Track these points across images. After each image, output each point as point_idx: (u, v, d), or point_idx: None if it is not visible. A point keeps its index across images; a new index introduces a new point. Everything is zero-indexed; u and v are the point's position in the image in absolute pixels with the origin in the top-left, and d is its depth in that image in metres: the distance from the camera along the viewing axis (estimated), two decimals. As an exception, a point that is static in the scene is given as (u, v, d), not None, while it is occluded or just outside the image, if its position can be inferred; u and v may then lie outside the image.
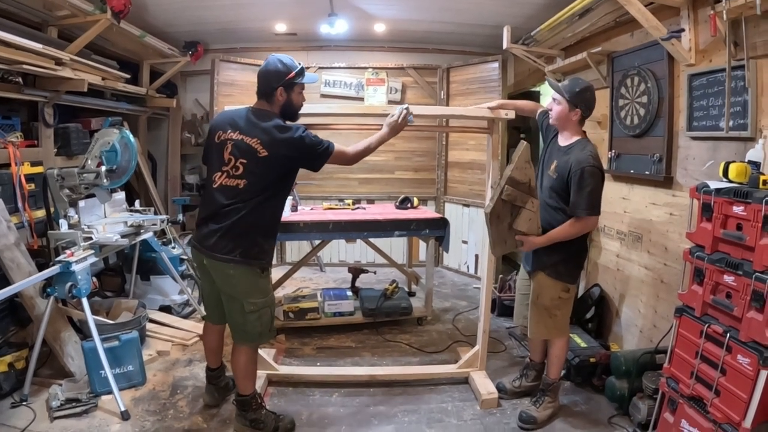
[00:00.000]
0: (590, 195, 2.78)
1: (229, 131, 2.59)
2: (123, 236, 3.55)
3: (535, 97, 6.64)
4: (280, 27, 5.66)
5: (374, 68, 6.13)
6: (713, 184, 2.51)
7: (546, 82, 3.09)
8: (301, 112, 2.77)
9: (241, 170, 2.55)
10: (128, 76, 4.84)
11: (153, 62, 5.65)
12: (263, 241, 2.67)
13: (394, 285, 4.58)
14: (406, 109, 2.91)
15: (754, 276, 2.17)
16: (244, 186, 2.55)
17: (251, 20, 5.33)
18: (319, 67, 6.35)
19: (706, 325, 2.44)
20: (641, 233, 3.74)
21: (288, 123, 2.59)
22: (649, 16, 3.11)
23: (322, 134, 2.76)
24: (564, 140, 3.01)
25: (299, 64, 2.65)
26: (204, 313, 3.11)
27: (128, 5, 4.03)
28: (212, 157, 2.68)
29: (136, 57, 5.50)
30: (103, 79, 4.44)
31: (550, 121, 3.03)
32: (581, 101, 2.93)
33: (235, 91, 5.98)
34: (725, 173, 2.50)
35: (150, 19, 4.95)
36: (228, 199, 2.56)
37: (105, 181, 3.43)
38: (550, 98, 3.05)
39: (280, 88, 2.58)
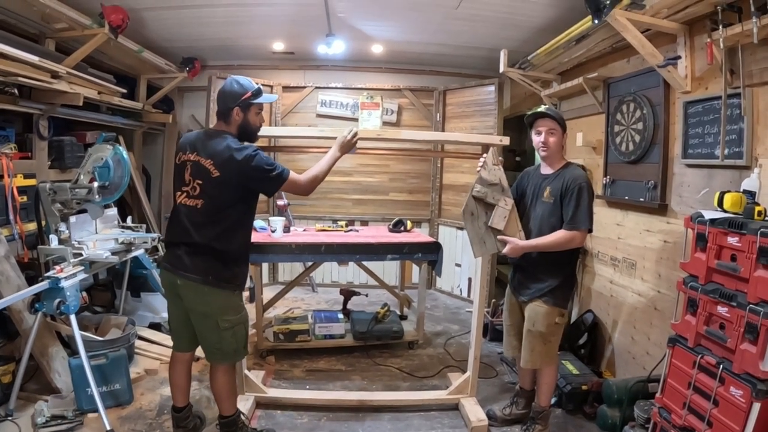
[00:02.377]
0: (589, 209, 2.81)
1: (188, 152, 2.59)
2: (113, 253, 3.52)
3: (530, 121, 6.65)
4: (278, 45, 5.67)
5: (369, 90, 6.13)
6: (708, 214, 2.51)
7: (540, 111, 3.05)
8: (260, 133, 2.78)
9: (198, 191, 2.54)
10: (124, 91, 4.83)
11: (150, 77, 5.66)
12: (234, 266, 2.66)
13: (386, 308, 4.53)
14: (354, 130, 2.98)
15: (748, 308, 2.15)
16: (201, 206, 2.54)
17: (249, 38, 5.34)
18: (316, 87, 6.36)
19: (700, 356, 2.42)
20: (635, 260, 3.72)
21: (242, 143, 2.57)
22: (646, 43, 3.12)
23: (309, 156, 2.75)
24: (549, 169, 3.04)
25: (257, 84, 2.65)
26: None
27: (126, 20, 4.03)
28: (175, 178, 2.67)
29: (134, 71, 5.50)
30: (99, 93, 4.43)
31: (546, 153, 2.99)
32: (564, 125, 3.01)
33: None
34: (720, 203, 2.50)
35: (148, 34, 4.94)
36: (191, 219, 2.56)
37: (97, 197, 3.41)
38: (536, 134, 3.01)
39: (236, 108, 2.59)
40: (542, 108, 3.03)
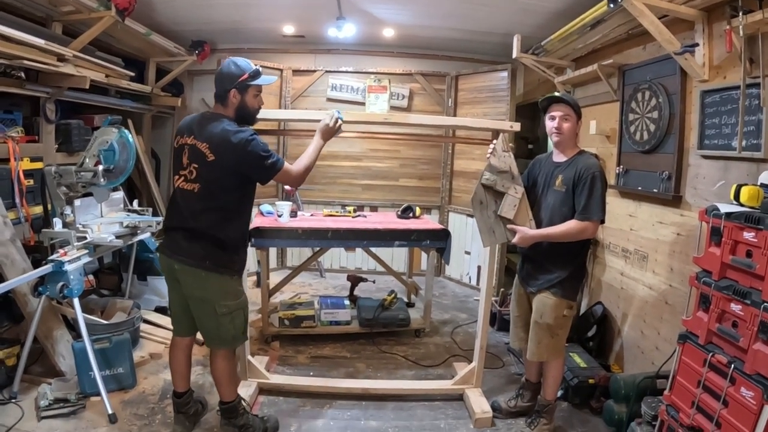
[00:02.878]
0: (602, 199, 2.74)
1: (185, 135, 2.56)
2: (118, 237, 3.51)
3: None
4: (288, 29, 5.60)
5: (376, 74, 6.05)
6: (724, 208, 2.42)
7: (555, 96, 2.96)
8: (259, 116, 2.73)
9: (195, 174, 2.50)
10: (132, 74, 4.79)
11: (159, 60, 5.60)
12: (233, 253, 2.64)
13: (393, 295, 4.50)
14: (338, 112, 2.89)
15: (762, 306, 2.08)
16: (198, 191, 2.50)
17: (259, 21, 5.27)
18: (326, 71, 6.30)
19: (710, 354, 2.35)
20: (647, 252, 3.65)
21: (239, 127, 2.52)
22: (663, 30, 3.02)
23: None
24: (562, 156, 2.96)
25: (255, 66, 2.59)
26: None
27: (133, 3, 3.98)
28: (174, 161, 2.66)
29: (142, 55, 5.45)
30: (107, 76, 4.39)
31: (558, 139, 2.91)
32: (580, 112, 2.94)
33: (243, 92, 5.91)
34: (737, 196, 2.41)
35: (157, 17, 4.89)
36: (188, 204, 2.53)
37: (102, 180, 3.38)
38: (550, 119, 2.93)
39: (233, 90, 2.54)
40: (558, 93, 2.95)
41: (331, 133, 2.86)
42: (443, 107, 6.33)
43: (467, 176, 6.21)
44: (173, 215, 2.62)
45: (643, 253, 3.70)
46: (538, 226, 2.90)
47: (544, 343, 2.91)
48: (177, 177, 2.58)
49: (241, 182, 2.56)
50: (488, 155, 2.96)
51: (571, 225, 2.77)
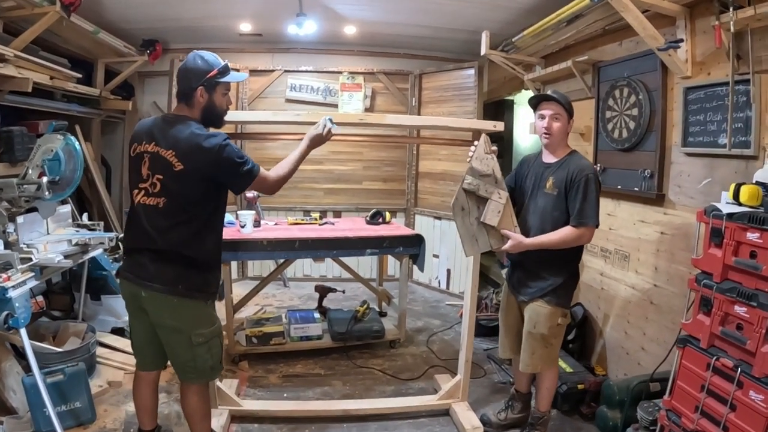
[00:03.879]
0: (596, 203, 2.62)
1: (144, 142, 2.26)
2: (67, 256, 3.16)
3: (509, 106, 6.48)
4: (245, 26, 5.34)
5: (351, 72, 5.83)
6: (725, 208, 2.35)
7: (545, 94, 2.79)
8: (227, 118, 2.46)
9: (159, 187, 2.21)
10: (80, 75, 4.44)
11: (108, 61, 5.26)
12: (207, 273, 2.35)
13: (365, 306, 4.31)
14: (330, 120, 2.63)
15: (771, 308, 2.00)
16: (163, 206, 2.22)
17: (214, 18, 5.00)
18: (285, 71, 6.06)
19: (714, 358, 2.28)
20: (628, 252, 3.60)
21: (208, 130, 2.27)
22: (647, 25, 2.94)
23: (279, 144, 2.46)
24: (552, 157, 2.81)
25: (224, 61, 2.33)
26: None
27: None
28: (131, 173, 2.34)
29: (90, 55, 5.10)
30: (52, 78, 4.05)
31: (548, 141, 2.76)
32: (572, 110, 2.78)
33: (196, 93, 5.59)
34: (736, 195, 2.34)
35: (106, 14, 4.58)
36: (152, 221, 2.23)
37: (47, 193, 3.04)
38: (539, 118, 2.78)
39: (200, 88, 2.25)
40: (549, 91, 2.80)
41: (321, 141, 2.61)
42: (407, 107, 6.18)
43: (433, 177, 6.08)
44: (135, 235, 2.29)
45: (624, 253, 3.64)
46: (527, 231, 2.75)
47: (538, 353, 2.76)
48: (136, 191, 2.27)
49: (212, 193, 2.28)
50: (469, 158, 2.78)
51: (567, 232, 2.63)
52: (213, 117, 2.36)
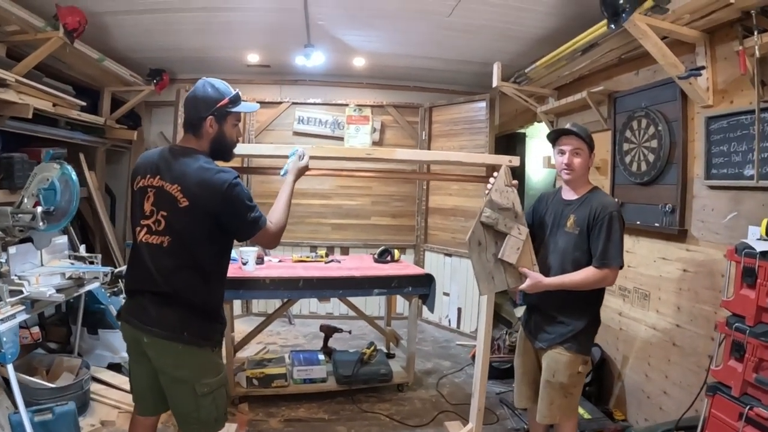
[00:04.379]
0: (620, 243, 2.44)
1: (149, 176, 2.12)
2: (59, 290, 3.04)
3: (520, 139, 6.36)
4: (253, 57, 5.30)
5: (358, 105, 5.77)
6: (758, 245, 2.19)
7: (564, 129, 2.63)
8: (237, 150, 2.32)
9: (163, 225, 2.06)
10: (84, 103, 4.38)
11: (115, 90, 5.21)
12: (213, 320, 2.19)
13: (372, 348, 4.12)
14: (300, 149, 2.54)
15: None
16: (168, 245, 2.06)
17: (222, 49, 4.98)
18: (293, 103, 6.00)
19: (747, 407, 2.12)
20: (648, 290, 3.43)
21: (218, 164, 2.12)
22: (667, 52, 2.83)
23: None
24: (572, 194, 2.63)
25: (235, 90, 2.20)
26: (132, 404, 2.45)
27: (83, 23, 3.64)
28: (134, 208, 2.19)
29: (96, 83, 5.06)
30: (54, 105, 3.98)
31: (569, 177, 2.59)
32: (593, 143, 2.61)
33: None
34: (768, 231, 2.17)
35: (112, 43, 4.56)
36: (156, 261, 2.07)
37: (41, 224, 2.93)
38: (559, 153, 2.61)
39: (209, 117, 2.11)
40: (568, 124, 2.63)
41: (303, 171, 2.48)
42: (416, 140, 6.08)
43: (443, 213, 5.94)
44: (138, 275, 2.14)
45: (644, 292, 3.47)
46: (547, 271, 2.57)
47: (556, 403, 2.55)
48: (139, 228, 2.12)
49: (219, 234, 2.12)
50: (488, 190, 2.63)
51: (589, 273, 2.44)
52: (222, 149, 2.21)
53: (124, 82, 5.07)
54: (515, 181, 2.67)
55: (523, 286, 2.52)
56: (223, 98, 2.11)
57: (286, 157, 2.55)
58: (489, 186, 2.64)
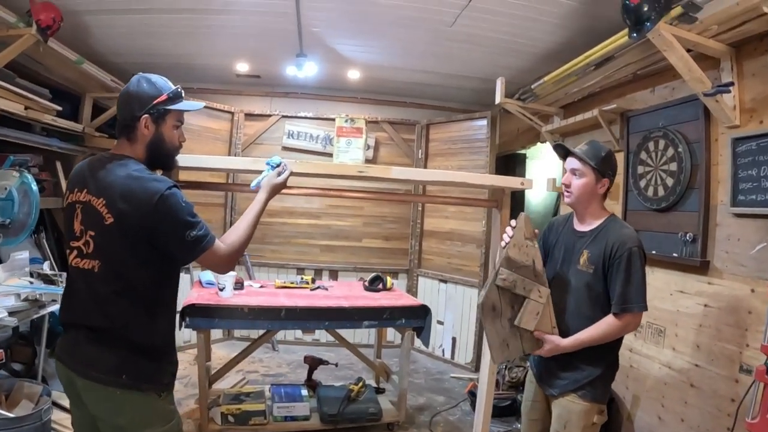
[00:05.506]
0: (642, 284, 2.13)
1: (76, 190, 1.82)
2: (12, 313, 2.72)
3: (521, 160, 6.12)
4: (242, 67, 5.09)
5: (350, 118, 5.49)
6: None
7: (562, 148, 2.37)
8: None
9: (92, 247, 1.74)
10: (59, 108, 4.08)
11: (96, 96, 4.93)
12: (159, 360, 1.84)
13: (361, 384, 3.80)
14: (278, 159, 2.24)
15: None
16: (99, 270, 1.74)
17: (210, 56, 4.77)
18: (283, 116, 5.75)
19: None
20: (663, 326, 3.18)
21: (151, 173, 1.81)
22: (693, 66, 2.60)
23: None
24: (585, 224, 2.34)
25: (177, 87, 1.90)
26: None
27: (59, 20, 3.40)
28: (65, 228, 1.88)
29: (77, 88, 4.78)
30: (26, 108, 3.69)
31: (569, 200, 2.32)
32: (609, 168, 2.28)
33: (186, 136, 5.20)
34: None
35: (93, 45, 4.33)
36: (89, 290, 1.75)
37: (-4, 238, 2.64)
38: (566, 170, 2.36)
39: (144, 117, 1.81)
40: (582, 145, 2.33)
41: (281, 187, 2.19)
42: (412, 159, 5.85)
43: (439, 237, 5.68)
44: (71, 306, 1.83)
45: (658, 327, 3.22)
46: (560, 313, 2.28)
47: (569, 458, 2.24)
48: (68, 251, 1.81)
49: (155, 256, 1.79)
50: (504, 244, 2.29)
51: (609, 325, 2.15)
52: (160, 155, 1.90)
53: (105, 88, 4.79)
54: (537, 231, 2.33)
55: (540, 352, 2.23)
56: (160, 94, 1.82)
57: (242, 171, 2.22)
58: (505, 239, 2.29)
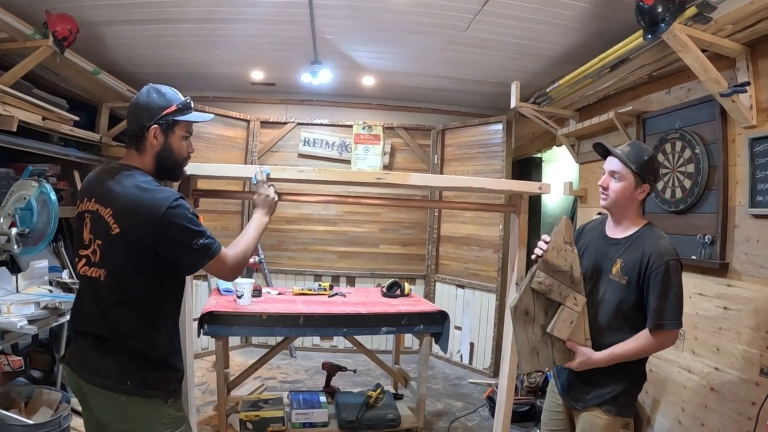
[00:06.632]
0: (680, 299, 2.02)
1: (86, 199, 1.85)
2: (32, 321, 2.77)
3: (536, 164, 6.09)
4: (257, 75, 5.12)
5: (368, 125, 5.51)
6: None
7: (602, 147, 2.29)
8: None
9: (99, 255, 1.77)
10: (77, 118, 4.15)
11: (113, 105, 4.99)
12: (164, 367, 1.86)
13: (379, 390, 3.80)
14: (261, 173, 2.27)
15: None
16: (105, 279, 1.76)
17: (225, 64, 4.80)
18: (298, 123, 5.78)
19: None
20: (683, 329, 3.05)
21: (157, 184, 1.82)
22: (709, 66, 2.59)
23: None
24: (619, 230, 2.22)
25: (186, 98, 1.93)
26: None
27: (75, 32, 3.45)
28: (75, 236, 1.92)
29: (94, 98, 4.85)
30: (44, 119, 3.76)
31: (605, 203, 2.22)
32: (650, 173, 2.16)
33: (202, 144, 5.27)
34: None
35: (109, 55, 4.38)
36: (96, 298, 1.77)
37: (15, 247, 2.69)
38: (605, 173, 2.23)
39: (153, 127, 1.83)
40: (624, 144, 2.23)
41: (275, 206, 2.20)
42: (428, 164, 5.84)
43: (456, 242, 5.66)
44: (80, 313, 1.85)
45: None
46: (591, 324, 2.17)
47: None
48: (77, 259, 1.84)
49: (160, 267, 1.81)
50: (542, 251, 2.16)
51: (644, 340, 2.05)
52: (168, 165, 1.92)
53: (121, 98, 4.84)
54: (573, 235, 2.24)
55: (570, 365, 2.14)
56: (169, 105, 1.84)
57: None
58: (541, 246, 2.17)
